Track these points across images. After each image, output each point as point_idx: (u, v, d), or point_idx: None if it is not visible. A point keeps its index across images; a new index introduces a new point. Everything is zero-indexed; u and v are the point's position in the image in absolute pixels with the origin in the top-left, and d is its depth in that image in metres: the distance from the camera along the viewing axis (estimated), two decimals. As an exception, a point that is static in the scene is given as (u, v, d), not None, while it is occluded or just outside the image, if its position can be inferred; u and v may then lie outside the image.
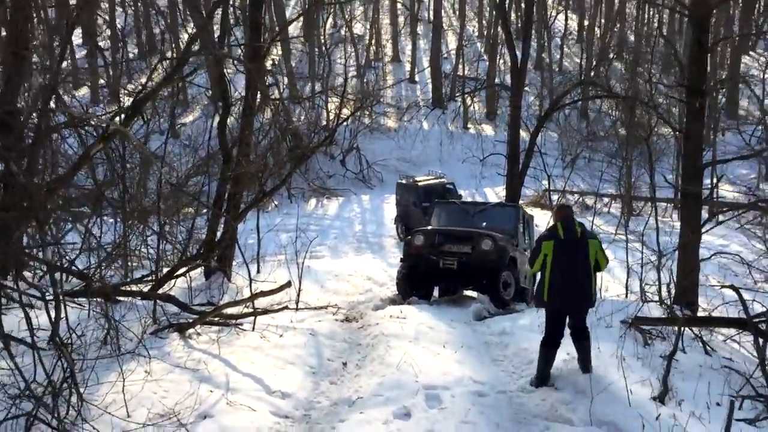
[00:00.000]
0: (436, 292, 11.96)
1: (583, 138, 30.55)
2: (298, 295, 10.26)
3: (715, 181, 19.35)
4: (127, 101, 10.73)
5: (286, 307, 9.91)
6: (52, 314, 4.52)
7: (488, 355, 7.09)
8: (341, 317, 9.26)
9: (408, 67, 40.14)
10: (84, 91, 31.86)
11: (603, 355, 6.71)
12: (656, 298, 10.42)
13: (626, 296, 11.79)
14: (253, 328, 7.27)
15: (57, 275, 5.37)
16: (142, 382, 4.91)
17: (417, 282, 10.89)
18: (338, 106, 28.57)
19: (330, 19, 45.51)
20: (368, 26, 41.43)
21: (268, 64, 33.86)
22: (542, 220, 18.49)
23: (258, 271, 13.35)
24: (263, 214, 24.98)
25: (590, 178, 22.08)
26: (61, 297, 4.50)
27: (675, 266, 10.92)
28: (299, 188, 28.33)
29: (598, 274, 6.21)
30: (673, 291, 10.49)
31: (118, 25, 34.73)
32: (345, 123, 31.95)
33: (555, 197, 20.93)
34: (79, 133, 9.74)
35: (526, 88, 33.33)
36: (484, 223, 11.42)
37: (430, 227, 11.45)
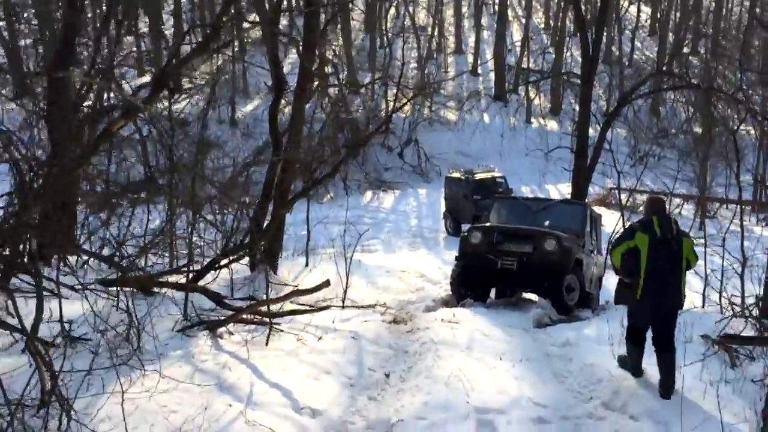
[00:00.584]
0: (492, 294, 11.17)
1: (653, 135, 29.02)
2: (345, 292, 9.65)
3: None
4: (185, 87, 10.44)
5: (329, 306, 9.36)
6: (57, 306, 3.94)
7: (550, 370, 6.27)
8: (389, 318, 8.57)
9: (471, 59, 39.06)
10: (146, 78, 32.14)
11: (685, 377, 5.83)
12: (738, 310, 9.41)
13: (703, 306, 10.73)
14: (270, 333, 6.38)
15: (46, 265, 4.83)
16: (148, 394, 4.28)
17: (472, 283, 10.08)
18: (395, 94, 27.78)
19: (392, 9, 44.92)
20: (431, 16, 40.46)
21: (329, 53, 33.57)
22: (610, 220, 17.38)
23: (306, 265, 12.89)
24: (318, 206, 24.72)
25: (662, 177, 20.64)
26: (57, 288, 3.93)
27: (763, 276, 9.84)
28: (355, 180, 27.85)
29: (687, 274, 5.82)
30: (755, 303, 9.43)
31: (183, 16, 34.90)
32: (404, 115, 31.50)
33: (623, 197, 19.74)
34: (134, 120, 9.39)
35: (594, 82, 31.84)
36: (548, 222, 10.52)
37: (488, 224, 10.63)
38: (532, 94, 32.97)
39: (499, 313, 8.93)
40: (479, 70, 37.93)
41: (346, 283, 9.77)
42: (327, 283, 7.81)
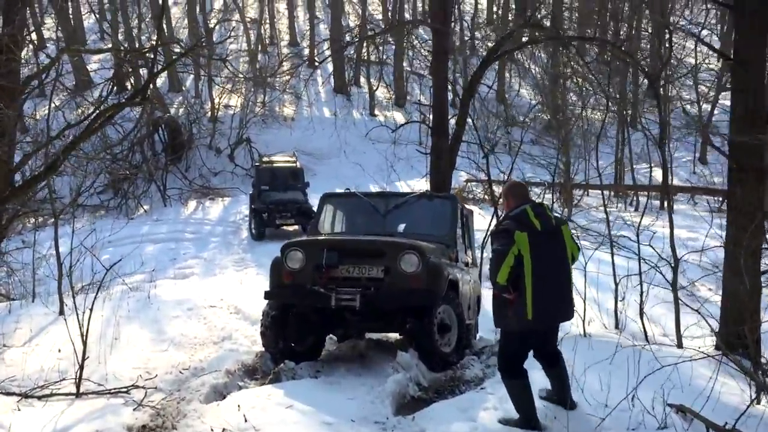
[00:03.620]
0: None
1: (502, 122, 27.19)
2: (80, 370, 5.65)
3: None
4: None
5: (52, 394, 5.56)
6: None
7: None
8: (141, 421, 4.76)
9: (307, 51, 35.91)
10: None
11: None
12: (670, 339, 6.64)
13: (617, 328, 7.84)
14: None
15: None
16: None
17: (295, 330, 6.44)
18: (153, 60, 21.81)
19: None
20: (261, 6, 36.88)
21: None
22: (482, 221, 14.33)
23: (61, 312, 8.75)
24: (130, 222, 20.07)
25: (529, 166, 18.35)
26: None
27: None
28: (175, 188, 23.67)
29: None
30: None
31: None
32: (232, 111, 27.62)
33: (481, 189, 17.10)
34: None
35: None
36: (403, 226, 7.12)
37: (310, 238, 6.98)
38: (374, 84, 30.43)
39: (334, 385, 5.35)
40: (316, 61, 34.77)
41: (83, 355, 5.75)
42: None
